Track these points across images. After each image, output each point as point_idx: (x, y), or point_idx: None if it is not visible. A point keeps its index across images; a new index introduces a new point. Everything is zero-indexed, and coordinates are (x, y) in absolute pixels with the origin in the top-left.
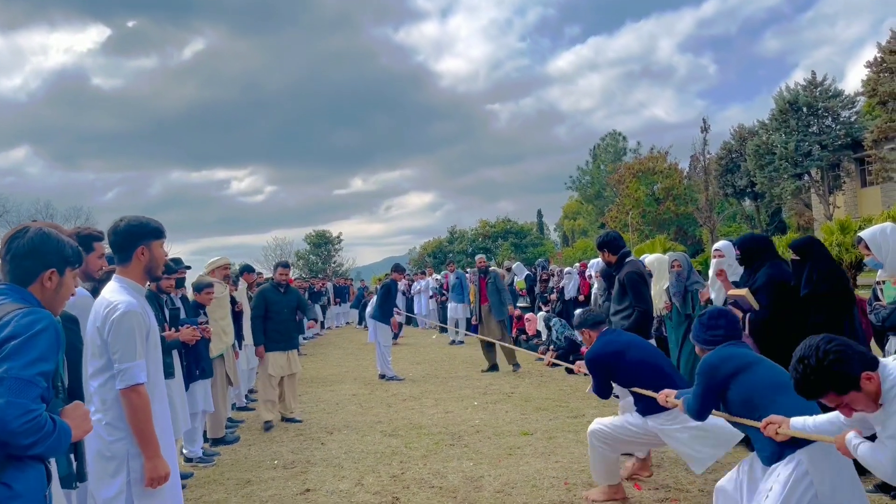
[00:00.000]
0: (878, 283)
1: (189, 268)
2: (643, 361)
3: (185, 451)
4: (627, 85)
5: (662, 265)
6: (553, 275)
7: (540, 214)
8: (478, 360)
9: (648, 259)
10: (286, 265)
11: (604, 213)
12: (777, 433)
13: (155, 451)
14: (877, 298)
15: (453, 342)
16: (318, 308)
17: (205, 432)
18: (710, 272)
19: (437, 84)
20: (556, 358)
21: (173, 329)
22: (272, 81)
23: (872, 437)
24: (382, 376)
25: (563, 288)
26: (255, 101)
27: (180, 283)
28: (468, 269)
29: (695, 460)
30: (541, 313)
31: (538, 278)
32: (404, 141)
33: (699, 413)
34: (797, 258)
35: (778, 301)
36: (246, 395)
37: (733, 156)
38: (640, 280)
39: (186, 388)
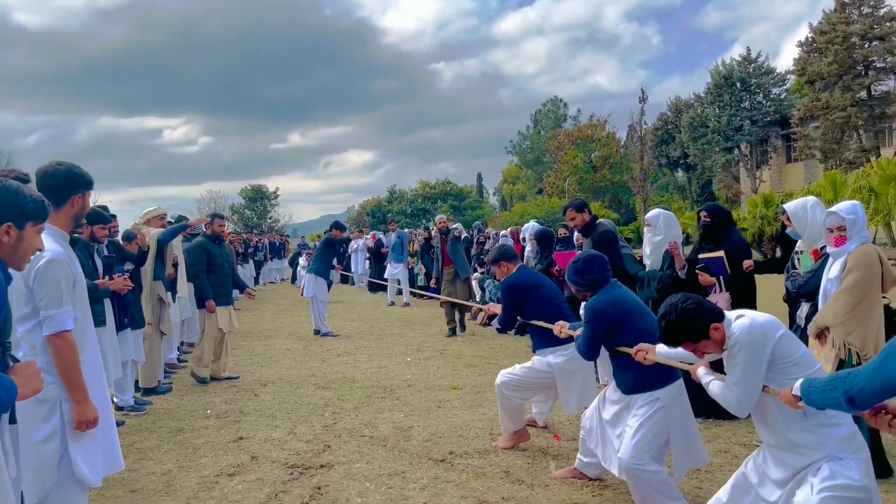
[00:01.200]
0: (796, 252)
1: (114, 216)
2: (550, 299)
3: (115, 399)
4: (572, 51)
5: None
6: (489, 238)
7: (480, 178)
8: (413, 319)
9: None
10: (223, 216)
11: (542, 179)
12: (645, 358)
13: (83, 396)
14: (794, 267)
15: (393, 304)
16: (252, 264)
17: (137, 381)
18: (645, 241)
19: (381, 40)
20: (488, 318)
21: (106, 277)
22: (211, 27)
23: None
24: (317, 332)
25: None
26: (192, 48)
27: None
28: (406, 230)
29: (568, 402)
30: (475, 274)
31: (475, 241)
32: (345, 97)
33: (588, 353)
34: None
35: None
36: (178, 347)
37: (669, 127)
38: (614, 238)
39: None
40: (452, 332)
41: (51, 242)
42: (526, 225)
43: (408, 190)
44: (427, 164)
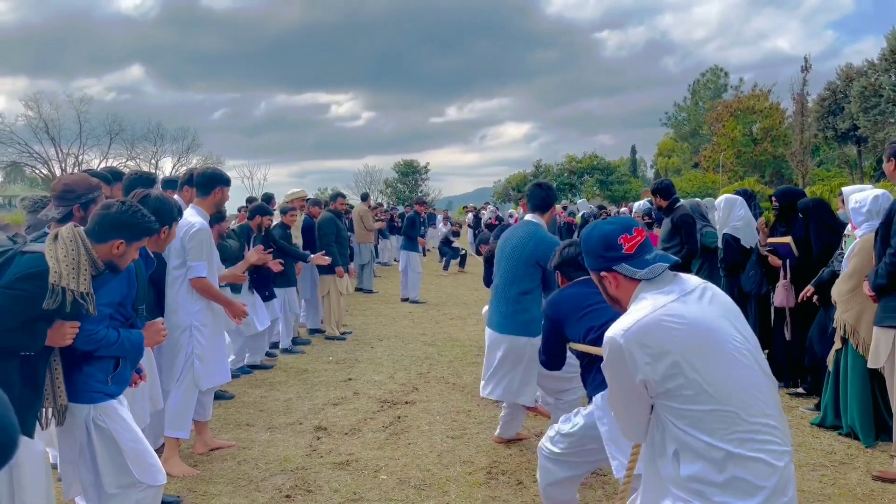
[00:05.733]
0: (845, 235)
1: (271, 199)
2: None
3: (281, 344)
4: (747, 13)
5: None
6: (609, 214)
7: (634, 150)
8: None
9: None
10: (344, 196)
11: (698, 152)
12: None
13: (226, 301)
14: (841, 250)
15: None
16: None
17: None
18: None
19: (543, 10)
20: None
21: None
22: (375, 3)
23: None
24: (405, 299)
25: None
26: (358, 24)
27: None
28: None
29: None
30: None
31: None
32: (503, 69)
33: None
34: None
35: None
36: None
37: (837, 97)
38: (692, 222)
39: (270, 297)
40: None
41: (198, 217)
42: (635, 204)
43: (553, 164)
44: (584, 136)
